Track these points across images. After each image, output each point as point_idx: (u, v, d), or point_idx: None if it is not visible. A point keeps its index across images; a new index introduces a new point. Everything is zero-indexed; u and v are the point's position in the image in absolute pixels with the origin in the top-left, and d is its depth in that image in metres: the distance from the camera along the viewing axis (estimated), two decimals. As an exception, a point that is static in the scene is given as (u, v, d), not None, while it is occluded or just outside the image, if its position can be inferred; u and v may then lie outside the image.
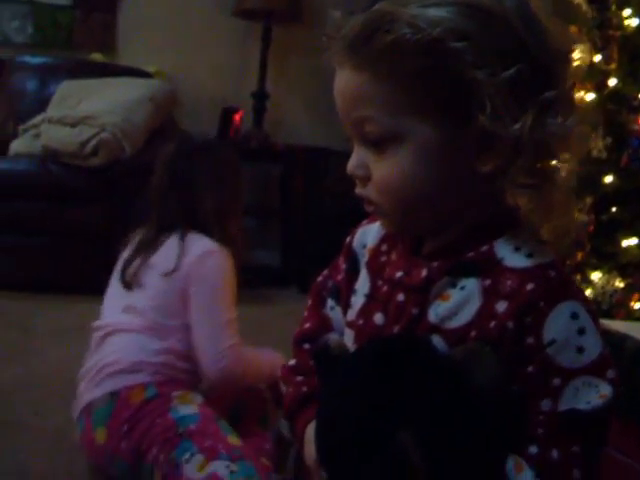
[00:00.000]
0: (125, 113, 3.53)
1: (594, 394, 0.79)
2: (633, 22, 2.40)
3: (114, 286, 1.88)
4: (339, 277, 1.04)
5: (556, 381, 0.80)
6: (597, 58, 2.50)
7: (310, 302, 1.09)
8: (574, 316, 0.81)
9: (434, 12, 0.78)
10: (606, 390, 0.80)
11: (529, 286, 0.81)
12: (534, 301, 0.80)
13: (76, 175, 3.41)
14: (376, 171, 0.85)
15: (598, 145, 2.42)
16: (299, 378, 1.04)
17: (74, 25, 4.30)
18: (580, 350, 0.80)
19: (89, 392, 1.66)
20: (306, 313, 1.09)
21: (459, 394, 0.79)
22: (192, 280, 1.74)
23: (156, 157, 3.31)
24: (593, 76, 2.49)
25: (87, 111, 3.56)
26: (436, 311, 0.86)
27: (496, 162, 0.82)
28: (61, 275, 3.32)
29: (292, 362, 1.07)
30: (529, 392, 0.81)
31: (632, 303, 2.26)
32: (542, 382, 0.80)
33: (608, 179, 2.39)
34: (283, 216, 2.88)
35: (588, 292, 2.39)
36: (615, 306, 2.29)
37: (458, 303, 0.85)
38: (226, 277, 1.78)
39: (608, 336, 1.68)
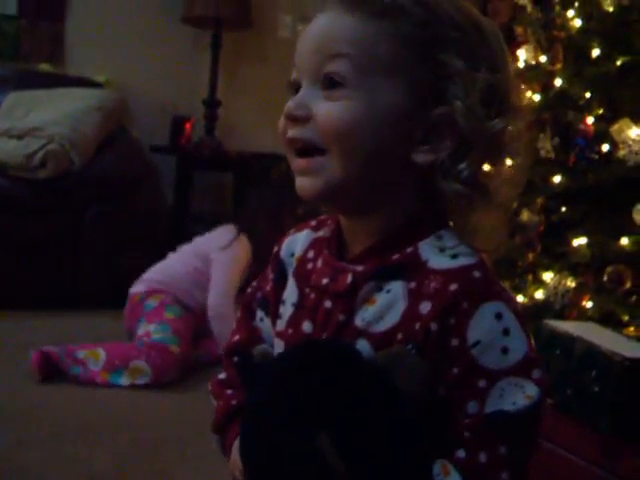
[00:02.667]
0: (73, 123, 3.48)
1: (520, 395, 0.79)
2: (577, 23, 2.42)
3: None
4: (267, 288, 1.03)
5: (481, 383, 0.79)
6: (543, 59, 2.52)
7: (239, 314, 1.08)
8: (498, 316, 0.80)
9: (446, 3, 0.84)
10: (532, 391, 0.79)
11: (452, 287, 0.81)
12: (457, 302, 0.80)
13: (24, 188, 3.35)
14: (323, 109, 0.83)
15: (546, 146, 2.43)
16: (229, 391, 1.03)
17: (21, 35, 4.23)
18: (505, 351, 0.80)
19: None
20: (235, 325, 1.08)
21: (379, 397, 0.79)
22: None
23: (106, 168, 3.28)
24: (539, 77, 2.51)
25: (34, 122, 3.51)
26: (363, 316, 0.86)
27: (431, 158, 0.83)
28: (9, 290, 3.26)
29: (222, 375, 1.07)
30: (455, 394, 0.80)
31: (584, 302, 2.26)
32: (467, 384, 0.79)
33: (557, 179, 2.40)
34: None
35: (540, 292, 2.39)
36: (567, 306, 2.30)
37: (384, 306, 0.84)
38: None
39: (558, 338, 1.69)
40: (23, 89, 3.84)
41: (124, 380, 2.45)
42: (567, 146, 2.39)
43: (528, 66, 2.58)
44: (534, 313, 2.29)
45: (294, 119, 0.85)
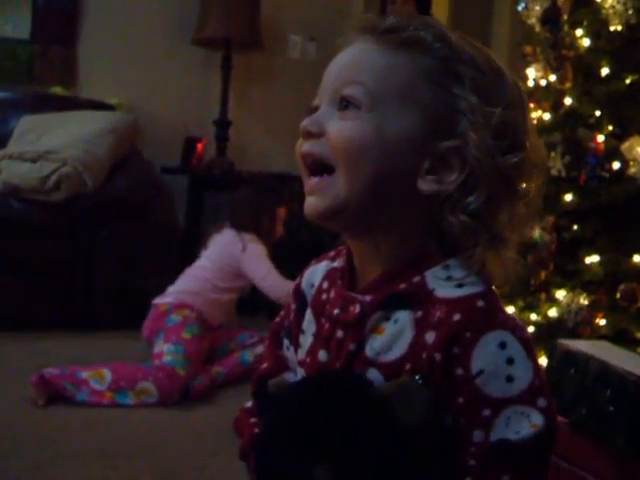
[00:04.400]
0: (86, 146, 3.51)
1: (525, 423, 0.79)
2: (585, 42, 2.43)
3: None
4: (291, 317, 1.04)
5: (486, 412, 0.80)
6: (552, 78, 2.53)
7: (267, 342, 1.10)
8: (502, 345, 0.81)
9: (465, 45, 0.87)
10: (537, 420, 0.80)
11: (456, 317, 0.82)
12: (460, 332, 0.81)
13: (38, 211, 3.37)
14: (336, 126, 0.86)
15: (557, 164, 2.44)
16: (253, 420, 1.05)
17: (33, 59, 4.27)
18: (509, 379, 0.80)
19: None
20: (264, 354, 1.10)
21: (383, 428, 0.80)
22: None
23: (119, 190, 3.31)
24: (549, 96, 2.52)
25: (47, 146, 3.54)
26: (372, 345, 0.87)
27: (436, 188, 0.84)
28: (24, 312, 3.28)
29: (249, 404, 1.08)
30: (461, 423, 0.81)
31: (597, 320, 2.26)
32: (473, 413, 0.80)
33: (568, 197, 2.40)
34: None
35: (553, 310, 2.39)
36: (581, 324, 2.30)
37: (392, 336, 0.86)
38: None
39: (572, 357, 1.69)
40: (36, 112, 3.88)
41: (130, 400, 2.48)
42: (578, 164, 2.39)
43: (538, 85, 2.59)
44: (547, 331, 2.29)
45: (308, 134, 0.88)
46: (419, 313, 0.84)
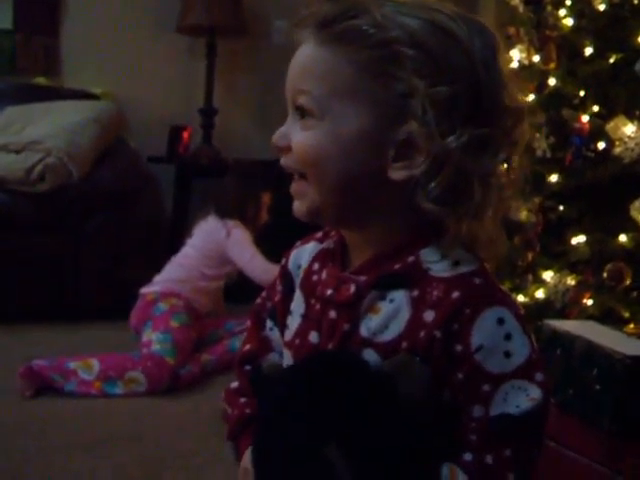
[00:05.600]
0: (70, 136, 3.49)
1: (524, 397, 0.81)
2: (569, 21, 2.42)
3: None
4: (276, 298, 1.05)
5: (486, 387, 0.81)
6: (536, 58, 2.52)
7: (250, 324, 1.10)
8: (500, 322, 0.82)
9: (401, 18, 0.83)
10: (535, 393, 0.81)
11: (454, 294, 0.82)
12: (459, 309, 0.82)
13: (24, 202, 3.34)
14: (296, 139, 0.87)
15: (542, 145, 2.44)
16: (242, 400, 1.06)
17: (16, 49, 4.23)
18: (507, 355, 0.81)
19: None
20: (246, 335, 1.10)
21: (385, 406, 0.80)
22: None
23: (105, 180, 3.29)
24: (533, 76, 2.51)
25: (31, 136, 3.51)
26: (367, 325, 0.87)
27: (409, 173, 0.83)
28: (11, 303, 3.27)
29: (235, 384, 1.09)
30: (461, 399, 0.82)
31: (584, 300, 2.26)
32: (472, 389, 0.81)
33: (554, 178, 2.40)
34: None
35: (540, 292, 2.39)
36: (568, 304, 2.30)
37: (388, 316, 0.86)
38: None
39: (559, 337, 1.69)
40: (19, 103, 3.85)
41: (119, 389, 2.49)
42: (563, 145, 2.39)
43: (522, 66, 2.58)
44: (535, 312, 2.29)
45: (279, 149, 0.90)
46: (415, 292, 0.85)
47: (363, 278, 0.88)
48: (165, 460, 2.01)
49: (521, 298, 2.44)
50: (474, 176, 0.82)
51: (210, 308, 3.05)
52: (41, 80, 4.18)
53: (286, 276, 1.03)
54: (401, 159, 0.84)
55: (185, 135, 4.21)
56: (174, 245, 3.23)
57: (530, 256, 2.46)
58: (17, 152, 3.44)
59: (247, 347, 1.09)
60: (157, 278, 2.98)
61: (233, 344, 2.86)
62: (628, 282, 2.16)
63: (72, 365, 2.47)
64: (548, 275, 2.41)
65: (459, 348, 0.81)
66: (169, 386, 2.57)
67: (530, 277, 2.47)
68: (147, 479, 1.90)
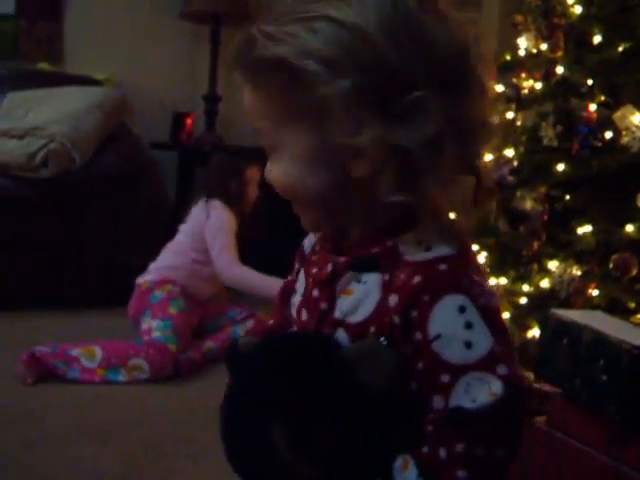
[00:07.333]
0: (73, 122, 3.48)
1: (484, 391, 0.77)
2: (577, 9, 2.40)
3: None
4: (291, 277, 1.07)
5: (445, 377, 0.79)
6: (543, 47, 2.49)
7: (277, 299, 1.11)
8: (461, 310, 0.79)
9: (288, 28, 0.80)
10: (497, 388, 0.78)
11: (415, 279, 0.81)
12: (418, 294, 0.80)
13: (26, 187, 3.35)
14: (269, 174, 0.90)
15: (549, 134, 2.41)
16: None
17: (19, 34, 4.21)
18: (468, 345, 0.79)
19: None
20: (273, 310, 1.12)
21: (343, 389, 0.80)
22: None
23: (108, 166, 3.29)
24: (540, 65, 2.49)
25: (34, 122, 3.50)
26: (340, 306, 0.87)
27: (369, 169, 0.81)
28: (12, 289, 3.26)
29: None
30: (423, 389, 0.80)
31: (589, 291, 2.25)
32: (432, 379, 0.79)
33: (560, 167, 2.37)
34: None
35: (545, 281, 2.37)
36: (573, 294, 2.28)
37: (359, 298, 0.86)
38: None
39: (565, 327, 1.68)
40: (22, 89, 3.85)
41: (121, 377, 2.49)
42: (570, 134, 2.37)
43: (529, 54, 2.56)
44: (540, 302, 2.28)
45: (268, 184, 0.91)
46: (386, 276, 0.84)
47: (342, 259, 0.89)
48: (168, 447, 2.00)
49: (526, 288, 2.42)
50: (415, 150, 0.79)
51: (210, 293, 3.02)
52: (44, 66, 4.17)
53: (301, 256, 1.05)
54: (358, 158, 0.81)
55: (188, 122, 4.20)
56: (176, 231, 3.22)
57: (535, 245, 2.44)
58: (20, 138, 3.44)
59: (270, 322, 1.10)
60: (151, 266, 2.97)
61: (236, 332, 2.86)
62: (634, 273, 2.14)
63: (75, 352, 2.46)
64: (553, 265, 2.38)
65: (419, 336, 0.79)
66: (171, 373, 2.56)
67: (535, 267, 2.46)
68: (150, 466, 1.89)
